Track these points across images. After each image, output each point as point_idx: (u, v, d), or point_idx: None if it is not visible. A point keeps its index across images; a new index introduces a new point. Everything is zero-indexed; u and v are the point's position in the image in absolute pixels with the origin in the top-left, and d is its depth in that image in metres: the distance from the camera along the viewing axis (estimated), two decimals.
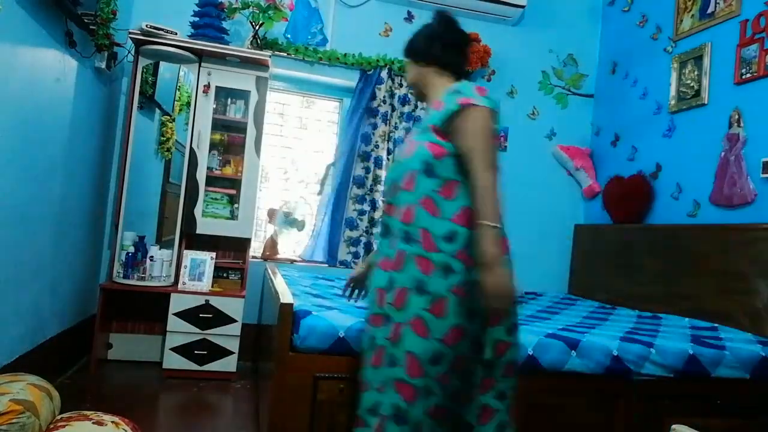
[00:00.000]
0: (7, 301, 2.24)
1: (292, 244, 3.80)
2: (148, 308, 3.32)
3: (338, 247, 3.65)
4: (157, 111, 3.43)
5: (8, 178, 2.14)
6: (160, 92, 3.36)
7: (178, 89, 3.39)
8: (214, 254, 3.27)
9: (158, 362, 3.20)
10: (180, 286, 3.16)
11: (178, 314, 3.06)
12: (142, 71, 3.17)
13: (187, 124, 3.26)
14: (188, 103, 3.27)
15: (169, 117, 3.40)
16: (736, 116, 2.86)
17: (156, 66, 3.30)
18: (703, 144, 3.07)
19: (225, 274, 3.34)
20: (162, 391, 2.92)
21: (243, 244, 3.37)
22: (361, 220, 3.67)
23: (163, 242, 3.32)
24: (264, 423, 2.03)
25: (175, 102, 3.40)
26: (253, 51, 3.26)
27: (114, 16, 2.77)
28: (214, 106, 3.29)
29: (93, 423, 1.80)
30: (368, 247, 3.72)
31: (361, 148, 3.71)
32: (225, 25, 3.31)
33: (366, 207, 3.68)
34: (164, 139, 3.35)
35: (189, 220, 3.23)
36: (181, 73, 3.38)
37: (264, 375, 2.42)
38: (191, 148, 3.22)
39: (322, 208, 3.67)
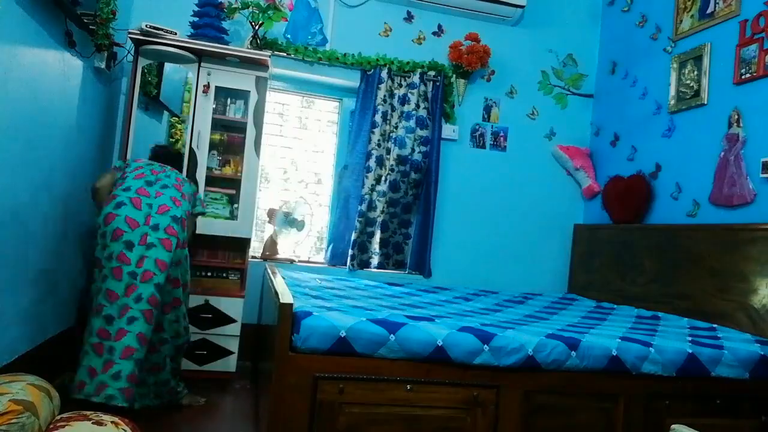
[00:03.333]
0: (7, 301, 2.24)
1: (292, 244, 3.79)
2: None
3: (347, 250, 3.74)
4: (165, 112, 3.41)
5: (8, 178, 2.14)
6: (166, 93, 3.33)
7: (188, 90, 3.34)
8: None
9: None
10: None
11: None
12: (144, 71, 3.16)
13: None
14: None
15: (177, 118, 3.37)
16: (736, 116, 2.86)
17: (161, 66, 3.28)
18: (703, 144, 3.07)
19: (225, 274, 3.33)
20: None
21: (243, 244, 3.36)
22: (359, 222, 3.68)
23: None
24: (264, 423, 2.03)
25: (184, 104, 3.35)
26: (252, 51, 3.26)
27: (113, 16, 2.77)
28: (214, 106, 3.29)
29: (93, 423, 1.80)
30: (397, 248, 3.82)
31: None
32: (225, 25, 3.31)
33: (363, 207, 3.69)
34: (173, 140, 3.33)
35: None
36: (190, 75, 3.34)
37: (264, 375, 2.42)
38: (191, 148, 3.22)
39: (342, 211, 3.75)
